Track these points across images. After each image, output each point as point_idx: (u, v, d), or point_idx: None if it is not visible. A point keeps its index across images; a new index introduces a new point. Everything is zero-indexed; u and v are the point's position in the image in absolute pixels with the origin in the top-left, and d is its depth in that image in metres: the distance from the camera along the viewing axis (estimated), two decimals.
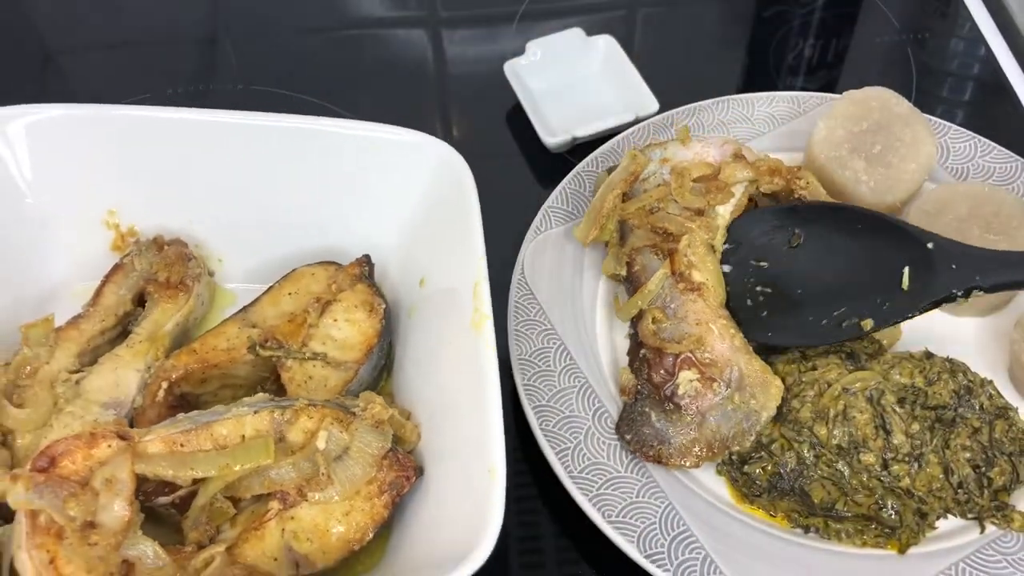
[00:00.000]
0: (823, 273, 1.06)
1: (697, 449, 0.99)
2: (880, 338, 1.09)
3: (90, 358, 0.99)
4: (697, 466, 1.00)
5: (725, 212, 1.11)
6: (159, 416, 0.93)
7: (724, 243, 1.10)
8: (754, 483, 0.99)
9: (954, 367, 1.04)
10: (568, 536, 1.02)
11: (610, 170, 1.18)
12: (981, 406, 1.01)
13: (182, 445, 0.84)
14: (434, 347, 0.99)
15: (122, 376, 0.96)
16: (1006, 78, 1.43)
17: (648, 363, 1.03)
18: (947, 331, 1.11)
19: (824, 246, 1.07)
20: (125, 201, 1.09)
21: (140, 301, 1.05)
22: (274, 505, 0.85)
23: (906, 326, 1.11)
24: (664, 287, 1.06)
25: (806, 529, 0.97)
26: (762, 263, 1.09)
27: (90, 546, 0.78)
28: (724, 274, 1.08)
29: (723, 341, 1.02)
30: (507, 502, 1.02)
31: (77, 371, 0.97)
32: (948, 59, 1.49)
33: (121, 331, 1.03)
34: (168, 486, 0.85)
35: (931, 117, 1.26)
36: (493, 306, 0.91)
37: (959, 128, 1.26)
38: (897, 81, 1.44)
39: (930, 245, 1.00)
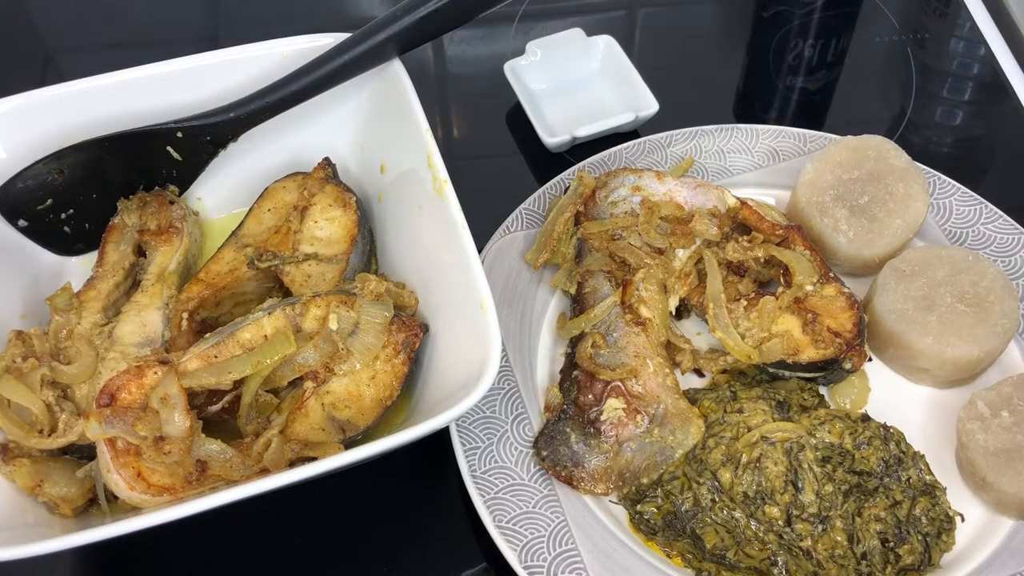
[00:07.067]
0: None
1: (609, 477, 1.00)
2: (843, 401, 1.07)
3: (113, 311, 1.08)
4: (606, 494, 1.00)
5: (683, 256, 1.10)
6: (188, 343, 1.02)
7: None
8: (647, 522, 0.98)
9: (887, 435, 1.00)
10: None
11: (566, 190, 1.17)
12: (908, 479, 0.98)
13: (216, 356, 0.96)
14: (408, 221, 1.09)
15: (146, 317, 1.05)
16: (1006, 78, 1.43)
17: (578, 384, 1.04)
18: (903, 398, 1.07)
19: None
20: None
21: (140, 252, 1.13)
22: (309, 385, 0.97)
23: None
24: (611, 315, 1.07)
25: (698, 572, 0.95)
26: None
27: (165, 455, 0.91)
28: None
29: (656, 378, 1.03)
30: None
31: (106, 324, 1.06)
32: (948, 59, 1.49)
33: (132, 282, 1.12)
34: (215, 395, 0.97)
35: (939, 175, 1.20)
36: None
37: (967, 191, 1.19)
38: (897, 81, 1.44)
39: None
